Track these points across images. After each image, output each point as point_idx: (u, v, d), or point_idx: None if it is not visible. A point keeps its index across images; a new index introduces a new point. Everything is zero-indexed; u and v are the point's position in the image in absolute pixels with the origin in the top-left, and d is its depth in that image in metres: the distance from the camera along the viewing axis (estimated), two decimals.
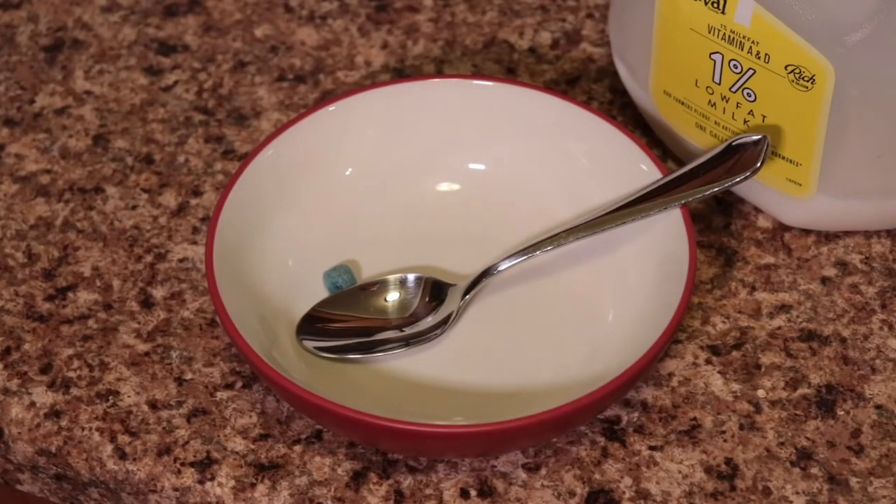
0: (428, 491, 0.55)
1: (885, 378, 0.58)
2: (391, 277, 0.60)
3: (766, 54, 0.57)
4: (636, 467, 0.55)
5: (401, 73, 0.72)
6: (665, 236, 0.58)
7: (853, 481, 0.54)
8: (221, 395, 0.58)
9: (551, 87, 0.71)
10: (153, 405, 0.58)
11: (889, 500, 0.54)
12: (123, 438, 0.56)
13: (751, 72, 0.58)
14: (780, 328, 0.60)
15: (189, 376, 0.59)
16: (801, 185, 0.60)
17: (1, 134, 0.69)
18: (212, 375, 0.59)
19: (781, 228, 0.64)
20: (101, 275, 0.63)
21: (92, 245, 0.64)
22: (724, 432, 0.56)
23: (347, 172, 0.64)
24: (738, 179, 0.58)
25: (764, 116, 0.59)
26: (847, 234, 0.64)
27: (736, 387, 0.58)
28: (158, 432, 0.56)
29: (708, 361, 0.59)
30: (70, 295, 0.62)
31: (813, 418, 0.57)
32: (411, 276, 0.60)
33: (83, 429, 0.57)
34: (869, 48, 0.55)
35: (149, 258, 0.63)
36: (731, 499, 0.54)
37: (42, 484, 0.59)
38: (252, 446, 0.56)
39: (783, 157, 0.60)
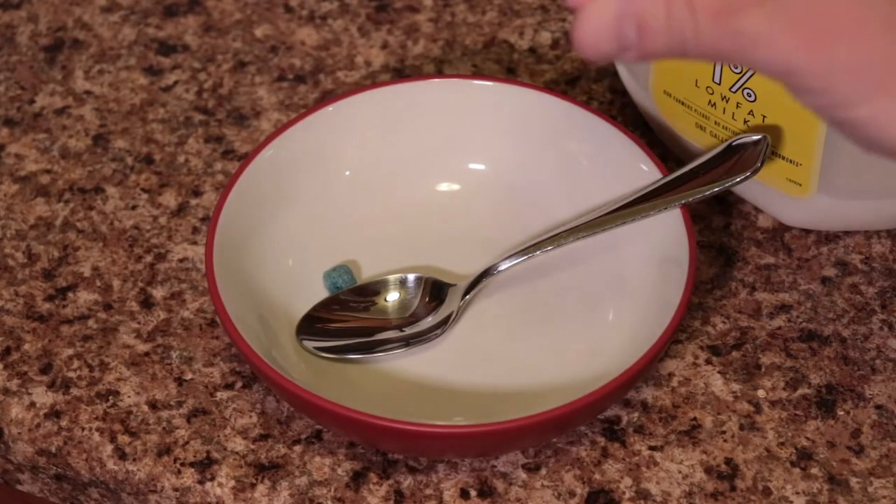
0: (428, 491, 0.55)
1: (885, 378, 0.58)
2: (391, 277, 0.60)
3: None
4: (636, 467, 0.55)
5: (401, 73, 0.72)
6: (665, 236, 0.58)
7: (853, 481, 0.54)
8: (221, 395, 0.58)
9: (551, 87, 0.71)
10: (153, 405, 0.58)
11: (889, 501, 0.54)
12: (123, 438, 0.56)
13: (751, 72, 0.58)
14: (780, 328, 0.60)
15: (189, 376, 0.59)
16: (801, 185, 0.60)
17: (1, 134, 0.69)
18: (212, 375, 0.59)
19: (781, 228, 0.64)
20: (101, 275, 0.63)
21: (92, 245, 0.64)
22: (724, 432, 0.56)
23: (347, 172, 0.64)
24: (738, 179, 0.58)
25: (764, 116, 0.59)
26: (847, 234, 0.64)
27: (736, 387, 0.58)
28: (158, 432, 0.57)
29: (708, 361, 0.59)
30: (70, 295, 0.62)
31: (813, 418, 0.57)
32: (411, 276, 0.60)
33: (83, 429, 0.57)
34: None
35: (149, 258, 0.63)
36: (732, 499, 0.54)
37: (42, 484, 0.59)
38: (252, 446, 0.56)
39: (783, 157, 0.60)
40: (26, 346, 0.60)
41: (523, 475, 0.55)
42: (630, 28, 0.39)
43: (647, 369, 0.53)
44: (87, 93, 0.71)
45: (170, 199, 0.66)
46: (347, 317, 0.60)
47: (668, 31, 0.38)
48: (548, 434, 0.55)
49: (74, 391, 0.58)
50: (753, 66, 0.38)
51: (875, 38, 0.37)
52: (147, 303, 0.61)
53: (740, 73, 0.59)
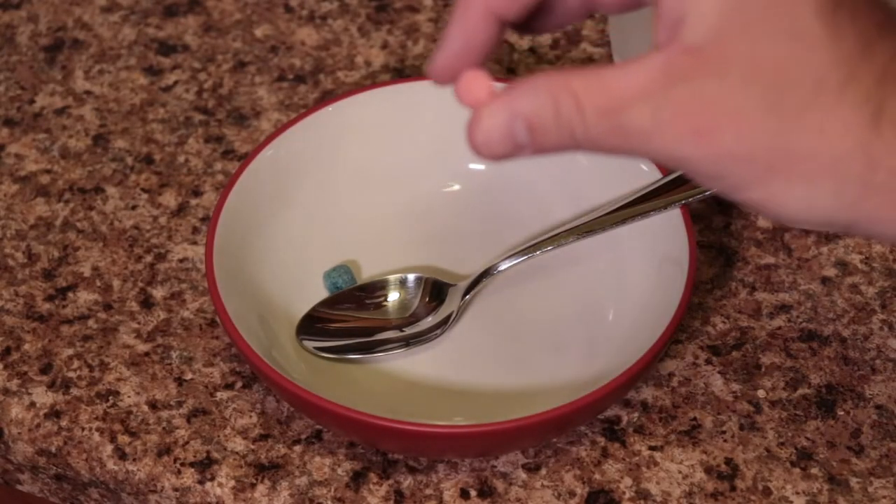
0: (428, 491, 0.55)
1: (885, 378, 0.58)
2: (391, 277, 0.60)
3: None
4: (636, 467, 0.55)
5: (401, 73, 0.72)
6: (665, 236, 0.58)
7: (853, 481, 0.54)
8: (221, 395, 0.58)
9: None
10: (153, 405, 0.58)
11: (889, 501, 0.54)
12: (123, 438, 0.56)
13: None
14: (780, 328, 0.60)
15: (189, 376, 0.59)
16: None
17: (1, 134, 0.69)
18: (212, 375, 0.59)
19: (781, 228, 0.64)
20: (101, 275, 0.63)
21: (92, 245, 0.64)
22: (724, 432, 0.56)
23: (347, 172, 0.64)
24: None
25: None
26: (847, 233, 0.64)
27: (736, 387, 0.58)
28: (158, 432, 0.57)
29: (708, 361, 0.59)
30: (70, 295, 0.62)
31: (813, 418, 0.57)
32: (411, 276, 0.60)
33: (83, 429, 0.57)
34: None
35: (149, 258, 0.63)
36: (732, 499, 0.54)
37: (42, 484, 0.59)
38: (252, 446, 0.56)
39: None
40: (26, 346, 0.60)
41: (523, 475, 0.55)
42: (520, 129, 0.39)
43: (647, 369, 0.53)
44: (87, 93, 0.71)
45: (170, 199, 0.66)
46: (347, 317, 0.60)
47: (558, 130, 0.39)
48: (548, 434, 0.55)
49: (74, 391, 0.58)
50: (647, 157, 0.38)
51: (758, 123, 0.37)
52: (147, 303, 0.61)
53: None
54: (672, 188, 0.59)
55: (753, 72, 0.36)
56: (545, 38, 0.74)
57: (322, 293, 0.61)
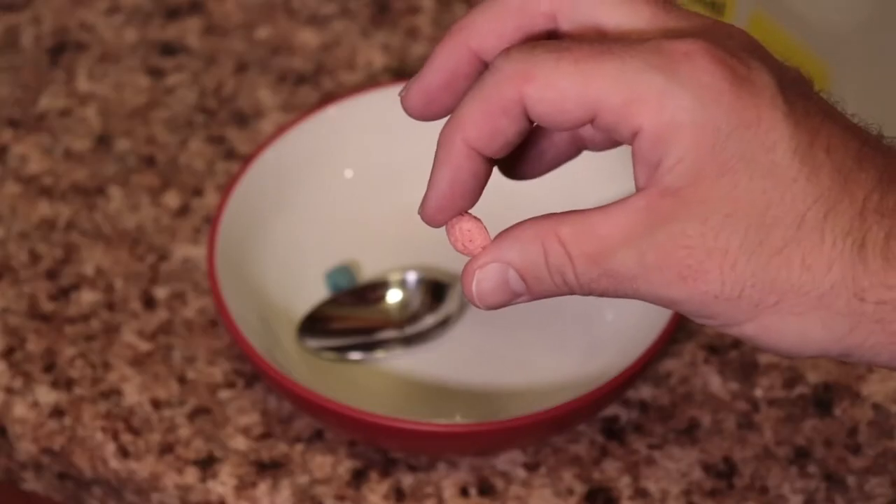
0: (428, 489, 0.55)
1: (881, 377, 0.58)
2: (392, 277, 0.61)
3: None
4: (635, 466, 0.55)
5: (402, 74, 0.72)
6: None
7: (850, 479, 0.55)
8: (223, 394, 0.58)
9: None
10: (155, 404, 0.58)
11: (885, 498, 0.54)
12: (126, 437, 0.57)
13: None
14: None
15: (191, 375, 0.59)
16: None
17: (5, 135, 0.70)
18: (213, 375, 0.59)
19: None
20: (103, 275, 0.63)
21: (95, 245, 0.64)
22: (722, 431, 0.56)
23: (348, 173, 0.64)
24: None
25: None
26: None
27: (734, 386, 0.58)
28: (161, 431, 0.57)
29: (706, 360, 0.59)
30: (73, 295, 0.62)
31: (810, 417, 0.57)
32: (411, 276, 0.61)
33: (86, 427, 0.57)
34: (867, 49, 0.56)
35: (151, 258, 0.64)
36: (729, 497, 0.54)
37: (45, 482, 0.60)
38: (254, 445, 0.56)
39: None
40: (30, 346, 0.60)
41: (523, 473, 0.55)
42: (514, 279, 0.40)
43: (645, 368, 0.53)
44: (90, 94, 0.72)
45: (172, 199, 0.66)
46: (348, 316, 0.60)
47: (551, 277, 0.40)
48: (547, 433, 0.55)
49: (77, 390, 0.58)
50: (638, 298, 0.39)
51: (742, 264, 0.37)
52: (149, 303, 0.62)
53: None
54: None
55: (733, 212, 0.37)
56: None
57: (323, 293, 0.61)
